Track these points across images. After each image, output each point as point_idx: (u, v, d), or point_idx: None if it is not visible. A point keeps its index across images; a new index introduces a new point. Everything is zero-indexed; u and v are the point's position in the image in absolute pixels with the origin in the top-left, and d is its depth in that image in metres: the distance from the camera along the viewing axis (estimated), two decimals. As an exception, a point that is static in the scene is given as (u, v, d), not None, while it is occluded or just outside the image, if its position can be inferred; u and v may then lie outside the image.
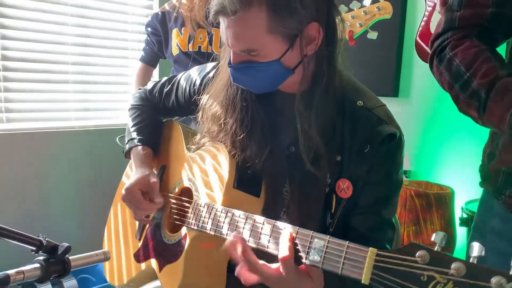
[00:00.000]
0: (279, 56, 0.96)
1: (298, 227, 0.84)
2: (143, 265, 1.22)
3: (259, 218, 0.92)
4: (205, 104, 1.16)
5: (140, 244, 1.28)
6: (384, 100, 1.10)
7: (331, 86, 1.02)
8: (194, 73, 1.28)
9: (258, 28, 0.93)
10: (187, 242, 1.09)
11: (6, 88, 2.30)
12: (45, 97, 2.45)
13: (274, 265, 0.84)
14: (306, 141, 1.03)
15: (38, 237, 0.75)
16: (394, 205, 1.07)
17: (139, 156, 1.28)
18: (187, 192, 1.20)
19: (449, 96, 0.97)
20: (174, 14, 2.01)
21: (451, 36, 0.96)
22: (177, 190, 1.23)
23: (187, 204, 1.14)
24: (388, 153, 1.02)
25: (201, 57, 1.97)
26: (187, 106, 1.27)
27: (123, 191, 1.17)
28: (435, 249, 0.65)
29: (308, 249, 0.80)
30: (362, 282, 0.70)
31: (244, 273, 0.87)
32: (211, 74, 1.21)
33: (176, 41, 2.00)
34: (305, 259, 0.80)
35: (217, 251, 1.08)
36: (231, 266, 1.10)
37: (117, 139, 1.91)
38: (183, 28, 1.98)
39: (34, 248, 0.75)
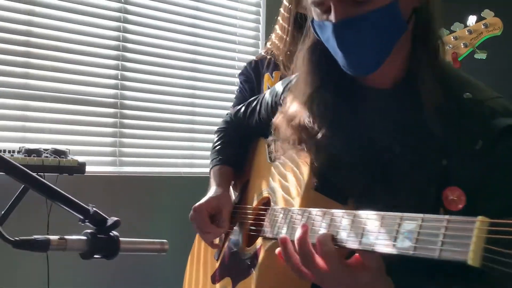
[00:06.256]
0: None
1: (383, 213, 0.67)
2: (217, 286, 1.11)
3: (338, 212, 0.76)
4: (284, 107, 1.06)
5: (217, 264, 1.17)
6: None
7: (436, 66, 0.86)
8: (279, 85, 1.21)
9: None
10: (261, 254, 0.95)
11: (122, 134, 2.49)
12: (155, 143, 2.60)
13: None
14: (406, 143, 0.87)
15: (87, 206, 0.70)
16: None
17: (215, 175, 1.24)
18: (267, 202, 1.09)
19: None
20: (268, 57, 2.03)
21: None
22: (256, 201, 1.12)
23: (263, 213, 1.02)
24: (511, 150, 0.80)
25: None
26: (271, 121, 1.19)
27: (191, 210, 1.10)
28: None
29: (396, 234, 0.62)
30: (470, 263, 0.50)
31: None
32: (293, 81, 1.13)
33: (268, 85, 2.01)
34: (393, 248, 0.62)
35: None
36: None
37: None
38: (274, 72, 1.99)
39: (81, 217, 0.69)
